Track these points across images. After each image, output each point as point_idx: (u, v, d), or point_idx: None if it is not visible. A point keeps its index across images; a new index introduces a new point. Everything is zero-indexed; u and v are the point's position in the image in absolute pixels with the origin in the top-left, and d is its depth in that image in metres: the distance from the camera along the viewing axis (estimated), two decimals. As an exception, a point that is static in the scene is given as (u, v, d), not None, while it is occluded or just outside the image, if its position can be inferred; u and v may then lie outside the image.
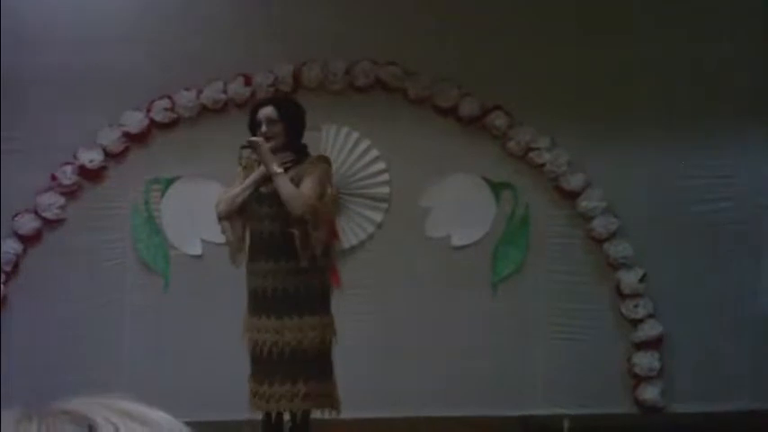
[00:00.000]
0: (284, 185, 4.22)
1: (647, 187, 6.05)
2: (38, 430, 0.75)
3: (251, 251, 4.39)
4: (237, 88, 5.89)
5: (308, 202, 4.20)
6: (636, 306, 5.98)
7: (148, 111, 5.88)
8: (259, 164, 4.35)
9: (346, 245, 5.96)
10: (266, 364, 4.30)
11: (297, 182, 4.26)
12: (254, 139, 4.29)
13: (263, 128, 4.31)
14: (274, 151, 4.29)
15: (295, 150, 4.41)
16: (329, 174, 4.50)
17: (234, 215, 4.37)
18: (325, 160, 4.52)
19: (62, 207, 5.83)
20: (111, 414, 0.77)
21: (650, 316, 5.98)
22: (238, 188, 4.36)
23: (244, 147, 4.34)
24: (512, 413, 5.90)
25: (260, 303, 4.34)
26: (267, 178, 4.30)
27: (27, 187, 5.76)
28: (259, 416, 4.47)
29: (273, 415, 4.44)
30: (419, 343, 5.92)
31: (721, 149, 6.11)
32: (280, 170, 4.24)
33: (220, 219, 4.40)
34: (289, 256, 4.27)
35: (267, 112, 4.36)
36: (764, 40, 6.00)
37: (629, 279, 5.98)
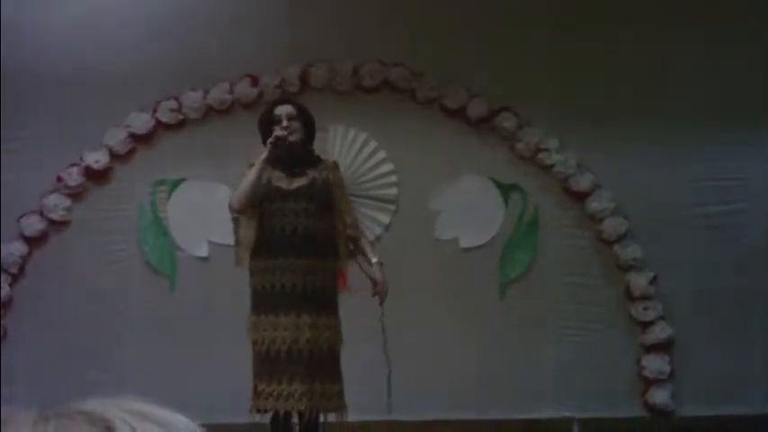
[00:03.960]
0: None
1: (656, 188, 6.01)
2: (55, 431, 0.74)
3: (267, 247, 4.36)
4: (244, 89, 5.88)
5: (357, 224, 4.58)
6: (646, 308, 5.94)
7: (155, 112, 5.87)
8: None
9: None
10: (285, 363, 4.28)
11: (324, 189, 4.39)
12: (280, 134, 4.30)
13: (284, 122, 4.35)
14: (293, 147, 4.35)
15: (307, 153, 4.49)
16: None
17: (249, 210, 4.34)
18: (338, 167, 4.62)
19: (68, 208, 5.82)
20: (127, 415, 0.77)
21: (660, 318, 5.94)
22: (250, 177, 4.31)
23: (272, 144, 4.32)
24: (520, 416, 5.86)
25: (277, 300, 4.32)
26: (291, 174, 4.36)
27: (33, 188, 5.75)
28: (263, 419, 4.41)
29: (282, 414, 4.36)
30: (426, 345, 5.88)
31: (733, 150, 6.06)
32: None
33: (238, 212, 4.37)
34: (314, 253, 4.34)
35: (287, 108, 4.45)
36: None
37: (638, 281, 5.94)
